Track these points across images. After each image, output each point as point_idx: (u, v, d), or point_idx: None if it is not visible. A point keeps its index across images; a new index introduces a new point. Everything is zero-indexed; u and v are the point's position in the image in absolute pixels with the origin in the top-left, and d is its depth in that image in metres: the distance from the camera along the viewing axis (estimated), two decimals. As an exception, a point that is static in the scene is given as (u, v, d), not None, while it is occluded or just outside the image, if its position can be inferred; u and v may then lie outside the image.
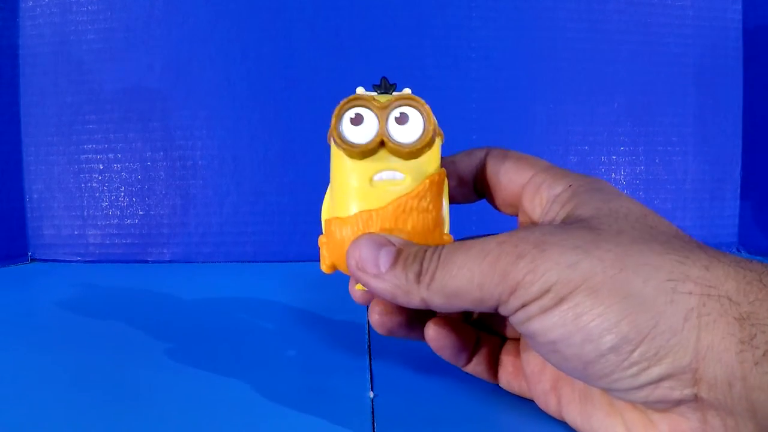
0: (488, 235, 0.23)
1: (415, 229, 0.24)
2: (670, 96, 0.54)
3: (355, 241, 0.24)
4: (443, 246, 0.23)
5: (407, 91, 0.26)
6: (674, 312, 0.19)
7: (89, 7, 0.50)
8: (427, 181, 0.25)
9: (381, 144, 0.24)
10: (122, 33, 0.50)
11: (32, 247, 0.52)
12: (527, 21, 0.52)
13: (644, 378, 0.19)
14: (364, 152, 0.24)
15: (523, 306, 0.20)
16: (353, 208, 0.24)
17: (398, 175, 0.24)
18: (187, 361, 0.31)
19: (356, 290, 0.27)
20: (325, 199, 0.27)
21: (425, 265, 0.22)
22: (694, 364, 0.18)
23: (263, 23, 0.51)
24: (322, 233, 0.27)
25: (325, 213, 0.27)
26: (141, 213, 0.51)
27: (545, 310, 0.20)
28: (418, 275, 0.22)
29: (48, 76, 0.51)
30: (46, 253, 0.52)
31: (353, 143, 0.24)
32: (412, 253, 0.23)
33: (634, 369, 0.19)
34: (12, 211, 0.51)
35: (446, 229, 0.26)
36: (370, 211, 0.24)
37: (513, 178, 0.26)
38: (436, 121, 0.25)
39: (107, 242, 0.51)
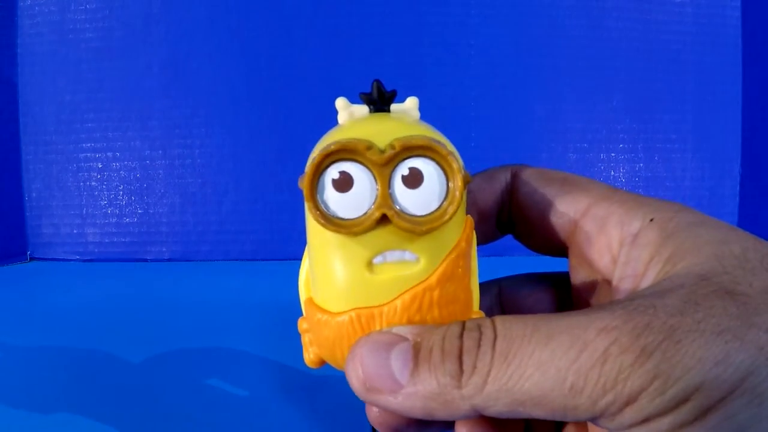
0: (558, 306, 0.18)
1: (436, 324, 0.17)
2: (669, 93, 0.54)
3: (352, 351, 0.17)
4: (492, 325, 0.16)
5: (411, 101, 0.18)
6: None
7: (88, 6, 0.50)
8: (453, 255, 0.17)
9: (383, 218, 0.16)
10: (121, 31, 0.50)
11: (31, 246, 0.52)
12: (526, 18, 0.52)
13: None
14: (356, 232, 0.16)
15: (646, 421, 0.15)
16: (345, 303, 0.17)
17: (409, 254, 0.17)
18: (187, 360, 0.31)
19: (373, 411, 0.20)
20: (302, 264, 0.20)
21: (468, 360, 0.15)
22: None
23: (262, 21, 0.51)
24: (302, 315, 0.20)
25: (305, 286, 0.20)
26: (140, 211, 0.51)
27: (682, 426, 0.14)
28: (458, 376, 0.15)
29: (46, 74, 0.51)
30: (45, 252, 0.52)
31: (339, 219, 0.16)
32: (437, 344, 0.16)
33: None
34: (11, 210, 0.51)
35: (476, 304, 0.18)
36: (370, 309, 0.17)
37: (560, 210, 0.19)
38: (463, 171, 0.17)
39: (106, 241, 0.51)
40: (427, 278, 0.17)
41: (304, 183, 0.16)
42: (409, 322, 0.17)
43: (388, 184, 0.16)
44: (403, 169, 0.16)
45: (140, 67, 0.50)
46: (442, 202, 0.16)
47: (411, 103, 0.18)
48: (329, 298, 0.18)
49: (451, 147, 0.17)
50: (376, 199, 0.16)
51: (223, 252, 0.51)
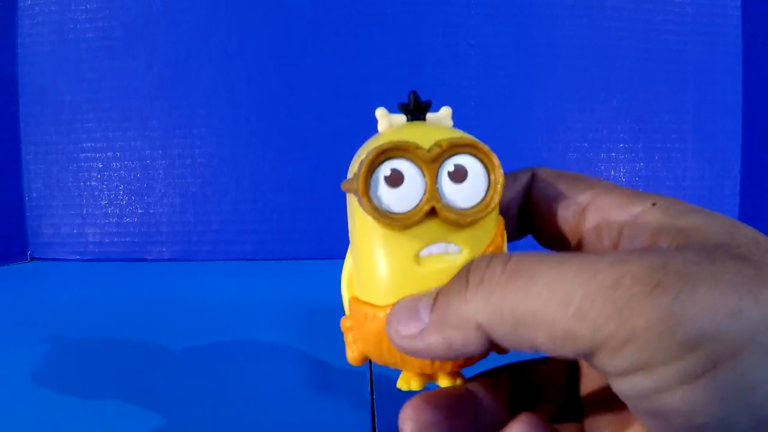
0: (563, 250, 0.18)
1: None
2: (670, 93, 0.54)
3: (392, 310, 0.18)
4: (507, 254, 0.16)
5: (445, 110, 0.20)
6: None
7: (88, 6, 0.50)
8: (491, 248, 0.19)
9: (431, 211, 0.18)
10: (121, 31, 0.50)
11: (32, 246, 0.52)
12: (526, 18, 0.52)
13: None
14: (407, 225, 0.18)
15: (649, 367, 0.14)
16: (391, 294, 0.18)
17: (452, 247, 0.18)
18: (186, 359, 0.31)
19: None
20: (345, 263, 0.21)
21: (476, 276, 0.16)
22: None
23: (262, 21, 0.51)
24: (345, 314, 0.20)
25: (348, 285, 0.21)
26: (140, 211, 0.51)
27: (690, 379, 0.13)
28: (464, 290, 0.16)
29: (47, 74, 0.51)
30: (45, 252, 0.52)
31: (392, 213, 0.18)
32: (454, 280, 0.17)
33: None
34: (11, 210, 0.51)
35: None
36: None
37: (567, 203, 0.20)
38: (502, 172, 0.18)
39: (106, 241, 0.51)
40: None
41: (359, 179, 0.17)
42: None
43: (435, 179, 0.18)
44: (449, 165, 0.18)
45: (140, 67, 0.50)
46: (486, 195, 0.18)
47: (445, 112, 0.20)
48: (376, 291, 0.19)
49: (495, 157, 0.19)
50: (425, 193, 0.18)
51: (224, 252, 0.51)
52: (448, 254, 0.18)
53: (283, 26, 0.51)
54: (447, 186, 0.18)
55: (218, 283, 0.46)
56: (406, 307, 0.17)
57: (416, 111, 0.19)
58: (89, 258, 0.51)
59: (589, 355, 0.14)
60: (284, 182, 0.51)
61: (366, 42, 0.51)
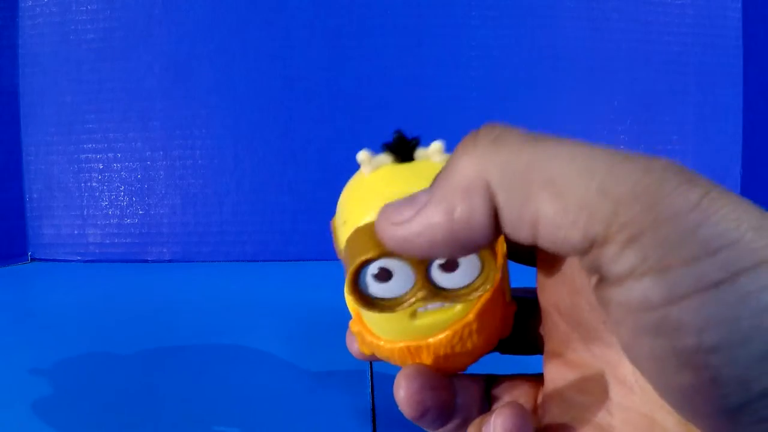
0: None
1: (476, 346, 0.19)
2: (670, 94, 0.54)
3: (381, 210, 0.16)
4: (497, 128, 0.15)
5: (435, 147, 0.18)
6: None
7: (89, 7, 0.50)
8: (488, 294, 0.18)
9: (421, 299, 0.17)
10: (122, 32, 0.50)
11: (32, 247, 0.52)
12: (527, 20, 0.52)
13: None
14: (396, 310, 0.17)
15: (661, 268, 0.13)
16: (394, 337, 0.19)
17: (447, 303, 0.18)
18: (186, 360, 0.31)
19: (354, 346, 0.21)
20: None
21: (489, 135, 0.14)
22: None
23: (263, 22, 0.51)
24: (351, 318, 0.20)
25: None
26: (141, 212, 0.51)
27: (706, 286, 0.12)
28: (474, 147, 0.14)
29: (48, 75, 0.51)
30: (46, 253, 0.52)
31: (380, 301, 0.17)
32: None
33: None
34: (12, 211, 0.51)
35: (508, 296, 0.20)
36: (418, 342, 0.18)
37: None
38: (496, 266, 0.17)
39: (107, 242, 0.51)
40: (466, 315, 0.18)
41: (346, 279, 0.16)
42: (452, 350, 0.18)
43: (425, 271, 0.17)
44: (440, 259, 0.16)
45: (141, 67, 0.51)
46: (477, 278, 0.17)
47: (435, 147, 0.18)
48: (378, 331, 0.19)
49: (497, 256, 0.18)
50: (414, 283, 0.17)
51: (224, 253, 0.51)
52: (444, 307, 0.18)
53: (284, 28, 0.51)
54: (437, 274, 0.17)
55: (219, 284, 0.46)
56: (400, 201, 0.15)
57: (401, 149, 0.18)
58: (90, 259, 0.51)
59: (595, 244, 0.13)
60: (285, 184, 0.51)
61: (367, 44, 0.51)
